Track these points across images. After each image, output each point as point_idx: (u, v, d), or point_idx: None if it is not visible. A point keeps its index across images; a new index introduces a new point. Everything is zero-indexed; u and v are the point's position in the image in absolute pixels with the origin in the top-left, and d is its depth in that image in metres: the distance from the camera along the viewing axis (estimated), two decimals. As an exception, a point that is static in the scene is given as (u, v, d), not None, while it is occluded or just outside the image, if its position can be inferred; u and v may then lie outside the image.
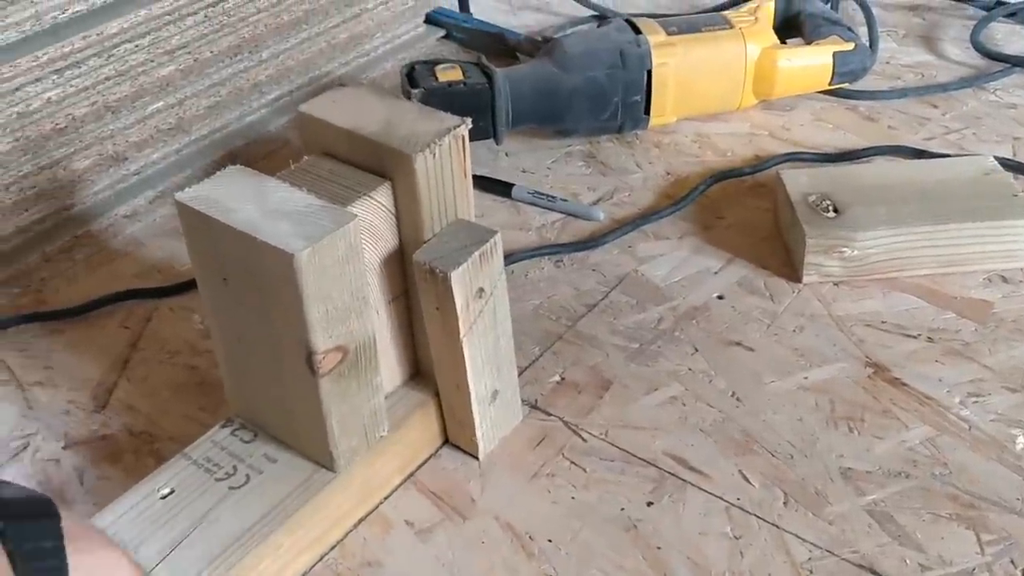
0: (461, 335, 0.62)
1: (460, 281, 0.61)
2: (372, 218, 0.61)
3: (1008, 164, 0.89)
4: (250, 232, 0.55)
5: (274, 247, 0.54)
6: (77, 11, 0.84)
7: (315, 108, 0.65)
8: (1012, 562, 0.59)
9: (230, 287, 0.59)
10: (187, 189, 0.59)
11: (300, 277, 0.54)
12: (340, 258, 0.56)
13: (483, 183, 0.94)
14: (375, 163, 0.62)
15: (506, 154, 0.99)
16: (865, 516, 0.62)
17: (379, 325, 0.64)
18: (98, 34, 0.85)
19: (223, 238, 0.57)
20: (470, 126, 0.63)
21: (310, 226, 0.55)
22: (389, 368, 0.67)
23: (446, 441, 0.69)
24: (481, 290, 0.63)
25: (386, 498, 0.65)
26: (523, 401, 0.71)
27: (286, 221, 0.56)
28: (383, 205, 0.62)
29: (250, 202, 0.58)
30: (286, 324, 0.57)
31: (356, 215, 0.57)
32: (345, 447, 0.61)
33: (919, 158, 0.93)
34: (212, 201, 0.58)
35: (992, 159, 0.86)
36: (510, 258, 0.84)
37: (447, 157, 0.62)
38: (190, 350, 0.79)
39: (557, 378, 0.74)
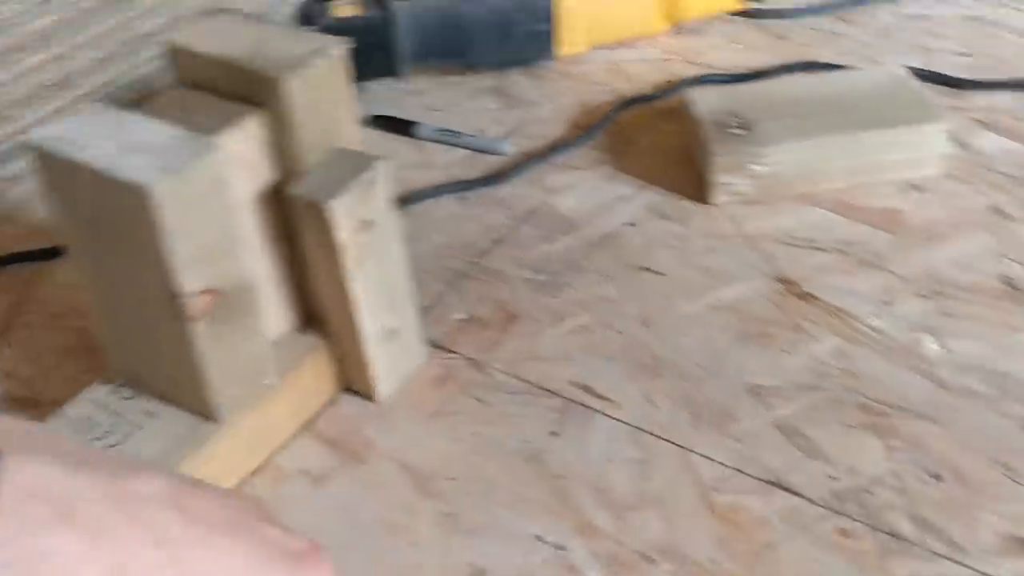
0: (348, 270, 0.59)
1: (341, 212, 0.57)
2: (243, 150, 0.58)
3: (920, 73, 0.87)
4: (103, 169, 0.51)
5: (127, 182, 0.50)
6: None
7: (183, 38, 0.61)
8: (920, 466, 0.58)
9: (91, 232, 0.55)
10: (40, 128, 0.55)
11: (157, 213, 0.50)
12: (203, 192, 0.52)
13: (386, 123, 0.90)
14: (246, 91, 0.58)
15: (414, 93, 0.95)
16: (774, 431, 0.60)
17: (261, 267, 0.61)
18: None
19: (77, 178, 0.53)
20: (350, 46, 0.60)
21: (168, 159, 0.52)
22: (276, 313, 0.63)
23: (346, 389, 0.66)
24: (367, 222, 0.59)
25: (281, 448, 0.62)
26: (427, 341, 0.68)
27: (144, 155, 0.52)
28: (255, 135, 0.58)
29: (108, 139, 0.53)
30: (150, 267, 0.53)
31: (218, 145, 0.53)
32: (228, 396, 0.58)
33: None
34: (67, 141, 0.53)
35: (903, 68, 0.83)
36: (414, 197, 0.81)
37: (324, 80, 0.58)
38: (75, 313, 0.74)
39: (462, 316, 0.71)
